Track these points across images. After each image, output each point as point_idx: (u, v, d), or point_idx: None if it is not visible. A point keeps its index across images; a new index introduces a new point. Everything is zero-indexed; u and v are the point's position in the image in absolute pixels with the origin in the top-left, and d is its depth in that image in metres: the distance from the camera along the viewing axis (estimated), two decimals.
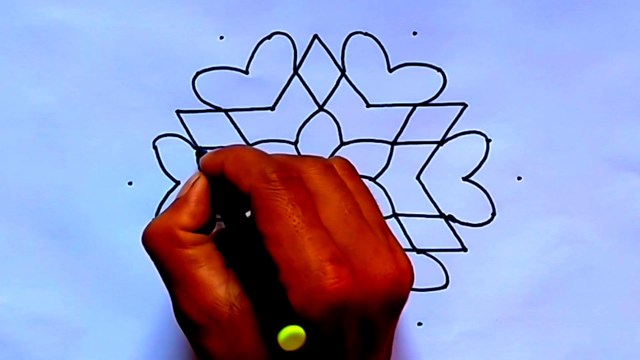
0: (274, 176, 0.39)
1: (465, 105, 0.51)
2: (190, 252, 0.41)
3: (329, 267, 0.37)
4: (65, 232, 0.51)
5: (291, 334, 0.36)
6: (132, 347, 0.51)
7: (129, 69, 0.51)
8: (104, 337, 0.51)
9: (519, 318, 0.51)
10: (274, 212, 0.38)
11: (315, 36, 0.51)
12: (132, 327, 0.51)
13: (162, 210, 0.43)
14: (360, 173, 0.51)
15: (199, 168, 0.44)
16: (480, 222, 0.51)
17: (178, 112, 0.51)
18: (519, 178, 0.51)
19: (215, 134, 0.51)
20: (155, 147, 0.51)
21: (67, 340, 0.51)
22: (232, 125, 0.51)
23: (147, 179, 0.51)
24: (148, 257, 0.42)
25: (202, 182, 0.43)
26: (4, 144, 0.51)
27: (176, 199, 0.43)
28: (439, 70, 0.51)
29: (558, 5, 0.51)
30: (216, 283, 0.40)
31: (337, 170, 0.43)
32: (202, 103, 0.51)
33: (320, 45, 0.51)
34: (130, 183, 0.51)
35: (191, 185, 0.43)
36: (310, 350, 0.37)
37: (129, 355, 0.51)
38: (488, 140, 0.51)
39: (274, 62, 0.51)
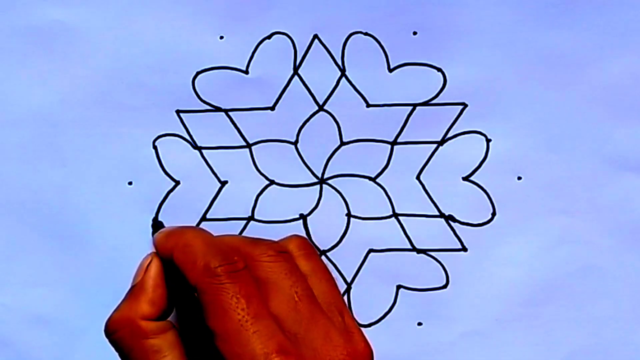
0: (218, 270, 0.39)
1: (465, 105, 0.51)
2: (154, 342, 0.41)
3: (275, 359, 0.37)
4: (65, 232, 0.51)
5: None
6: None
7: (129, 69, 0.51)
8: (103, 337, 0.51)
9: (520, 318, 0.50)
10: (219, 307, 0.39)
11: (315, 36, 0.51)
12: None
13: (121, 298, 0.43)
14: (360, 173, 0.51)
15: (153, 242, 0.44)
16: (481, 222, 0.51)
17: (178, 112, 0.51)
18: (519, 178, 0.51)
19: (215, 134, 0.51)
20: (155, 147, 0.51)
21: (67, 340, 0.51)
22: (232, 125, 0.51)
23: (147, 179, 0.51)
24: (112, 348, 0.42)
25: (155, 265, 0.43)
26: (4, 144, 0.51)
27: (132, 286, 0.43)
28: (439, 70, 0.51)
29: (558, 5, 0.51)
30: None
31: (294, 250, 0.44)
32: (202, 103, 0.51)
33: (320, 45, 0.51)
34: (130, 183, 0.51)
35: (145, 269, 0.43)
36: None
37: None
38: (488, 140, 0.51)
39: (274, 62, 0.51)
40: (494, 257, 0.51)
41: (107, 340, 0.42)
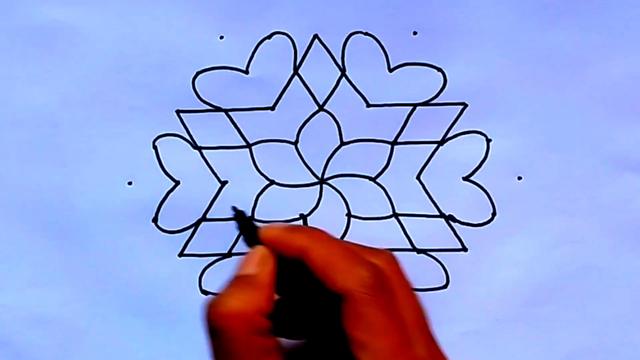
0: (371, 281, 0.38)
1: (465, 105, 0.51)
2: (268, 342, 0.38)
3: None
4: (65, 232, 0.51)
5: None
6: (131, 347, 0.51)
7: (129, 69, 0.51)
8: (103, 337, 0.51)
9: (520, 318, 0.50)
10: (374, 324, 0.38)
11: (316, 36, 0.51)
12: (132, 327, 0.51)
13: (226, 281, 0.39)
14: (360, 173, 0.51)
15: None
16: (481, 222, 0.51)
17: (178, 112, 0.51)
18: (520, 178, 0.51)
19: (215, 134, 0.51)
20: (155, 147, 0.51)
21: (66, 341, 0.51)
22: (232, 125, 0.51)
23: (147, 179, 0.51)
24: (205, 332, 0.39)
25: (273, 261, 0.40)
26: (4, 144, 0.51)
27: (244, 276, 0.40)
28: (439, 70, 0.51)
29: (558, 5, 0.50)
30: None
31: (387, 269, 0.42)
32: (202, 103, 0.51)
33: (321, 45, 0.51)
34: (130, 183, 0.51)
35: (259, 261, 0.40)
36: None
37: (129, 355, 0.51)
38: (488, 140, 0.51)
39: (274, 62, 0.51)
40: (494, 257, 0.51)
41: (204, 324, 0.38)
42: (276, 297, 0.40)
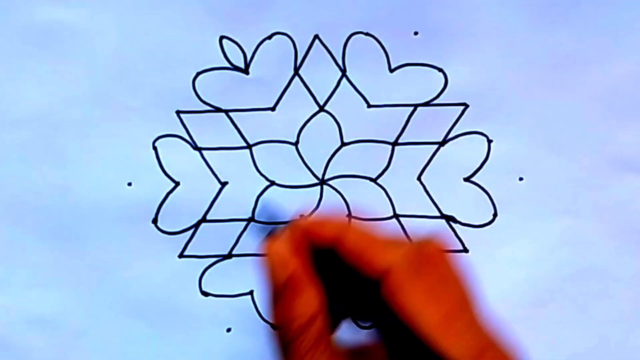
0: (412, 256, 0.38)
1: (466, 106, 0.51)
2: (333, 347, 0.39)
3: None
4: (65, 233, 0.51)
5: None
6: (131, 348, 0.51)
7: (129, 69, 0.51)
8: (103, 338, 0.51)
9: (521, 319, 0.50)
10: (424, 292, 0.38)
11: (316, 36, 0.51)
12: (132, 329, 0.51)
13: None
14: (361, 174, 0.51)
15: (264, 245, 0.41)
16: (482, 223, 0.51)
17: (178, 112, 0.51)
18: (521, 179, 0.51)
19: (216, 134, 0.51)
20: (155, 148, 0.51)
21: (66, 342, 0.51)
22: (232, 126, 0.51)
23: (147, 180, 0.51)
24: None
25: (295, 262, 0.40)
26: (4, 144, 0.51)
27: (290, 283, 0.39)
28: (440, 70, 0.51)
29: (560, 6, 0.50)
30: None
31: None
32: (202, 103, 0.51)
33: (321, 46, 0.51)
34: (129, 184, 0.51)
35: (288, 263, 0.40)
36: None
37: (129, 356, 0.51)
38: (489, 141, 0.51)
39: (274, 63, 0.51)
40: (495, 258, 0.51)
41: (274, 347, 0.40)
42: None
